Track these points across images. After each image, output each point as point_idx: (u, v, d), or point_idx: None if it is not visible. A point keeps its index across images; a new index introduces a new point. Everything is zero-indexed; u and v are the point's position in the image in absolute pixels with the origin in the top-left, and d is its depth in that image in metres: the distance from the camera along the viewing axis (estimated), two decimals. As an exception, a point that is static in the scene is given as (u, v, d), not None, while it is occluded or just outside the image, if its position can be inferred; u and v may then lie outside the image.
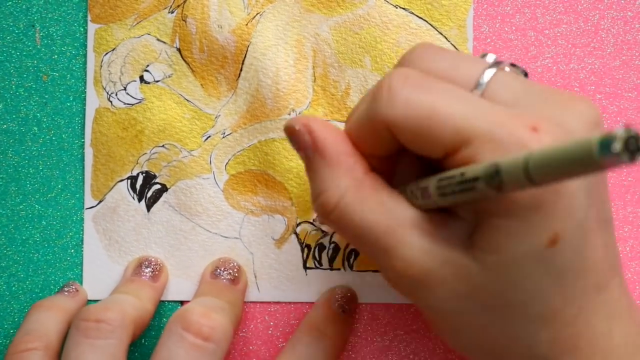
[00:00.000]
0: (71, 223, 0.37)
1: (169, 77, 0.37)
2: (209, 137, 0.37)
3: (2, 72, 0.38)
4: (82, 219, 0.37)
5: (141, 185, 0.37)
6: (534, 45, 0.38)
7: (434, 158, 0.27)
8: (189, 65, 0.37)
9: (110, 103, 0.37)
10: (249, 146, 0.37)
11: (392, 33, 0.37)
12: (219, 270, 0.36)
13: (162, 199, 0.37)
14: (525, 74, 0.29)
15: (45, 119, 0.38)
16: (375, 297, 0.37)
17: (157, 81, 0.37)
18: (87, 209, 0.37)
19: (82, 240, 0.37)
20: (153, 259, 0.36)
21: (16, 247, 0.38)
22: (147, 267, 0.36)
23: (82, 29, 0.38)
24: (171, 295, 0.37)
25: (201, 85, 0.37)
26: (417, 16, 0.37)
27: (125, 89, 0.37)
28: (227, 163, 0.37)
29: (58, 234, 0.37)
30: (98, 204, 0.37)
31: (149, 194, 0.37)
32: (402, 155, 0.30)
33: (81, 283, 0.37)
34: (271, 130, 0.37)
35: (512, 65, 0.28)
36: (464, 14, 0.37)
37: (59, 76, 0.38)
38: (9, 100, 0.38)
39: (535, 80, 0.37)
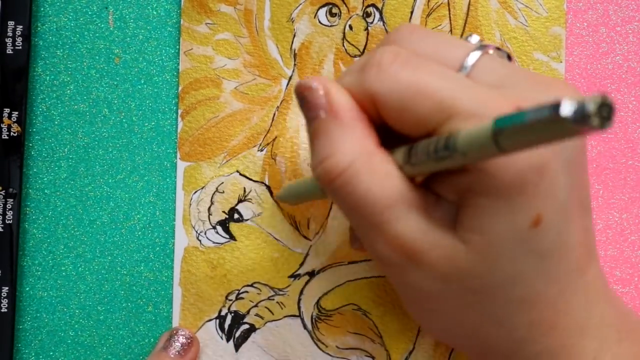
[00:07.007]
0: (139, 205, 0.37)
1: (258, 215, 0.37)
2: (298, 276, 0.37)
3: (74, 53, 0.38)
4: (150, 202, 0.37)
5: (230, 325, 0.37)
6: (605, 42, 0.38)
7: (416, 136, 0.26)
8: (277, 204, 0.37)
9: (199, 242, 0.37)
10: (337, 286, 0.37)
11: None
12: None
13: (250, 339, 0.37)
14: (509, 58, 0.29)
15: (115, 101, 0.38)
16: None
17: (247, 220, 0.37)
18: (175, 349, 0.37)
19: (150, 223, 0.37)
20: (182, 332, 0.36)
21: (84, 227, 0.38)
22: (176, 341, 0.36)
23: (154, 12, 0.38)
24: None
25: (290, 224, 0.37)
26: None
27: (214, 227, 0.37)
28: (315, 303, 0.37)
29: (126, 215, 0.37)
30: (186, 343, 0.37)
31: (237, 334, 0.37)
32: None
33: None
34: (359, 272, 0.37)
35: (497, 49, 0.28)
36: None
37: (131, 59, 0.38)
38: (80, 81, 0.38)
39: (606, 77, 0.37)
